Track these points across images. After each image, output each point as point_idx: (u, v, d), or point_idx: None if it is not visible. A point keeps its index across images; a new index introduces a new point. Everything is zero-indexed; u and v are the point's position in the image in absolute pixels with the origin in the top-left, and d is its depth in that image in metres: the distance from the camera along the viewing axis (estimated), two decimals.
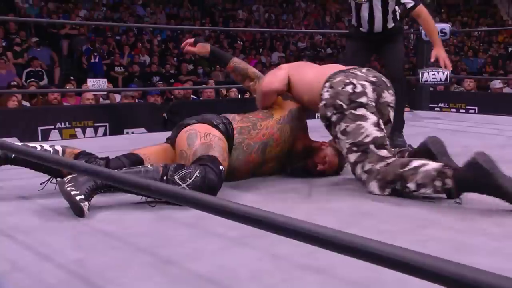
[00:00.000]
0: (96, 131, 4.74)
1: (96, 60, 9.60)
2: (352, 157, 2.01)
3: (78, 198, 1.73)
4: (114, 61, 9.82)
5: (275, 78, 2.30)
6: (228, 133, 2.12)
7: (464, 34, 14.68)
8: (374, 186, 1.99)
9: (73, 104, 6.22)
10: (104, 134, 4.72)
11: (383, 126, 2.04)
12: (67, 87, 6.74)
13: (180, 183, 1.79)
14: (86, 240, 1.53)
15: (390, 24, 3.33)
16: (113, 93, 7.05)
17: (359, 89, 2.04)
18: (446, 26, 4.82)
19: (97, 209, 1.81)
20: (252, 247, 1.45)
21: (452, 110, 6.11)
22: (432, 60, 3.28)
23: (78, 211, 1.73)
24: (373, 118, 2.02)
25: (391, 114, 2.15)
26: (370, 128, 1.99)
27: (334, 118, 2.04)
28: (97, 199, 1.91)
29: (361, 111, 2.01)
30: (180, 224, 1.67)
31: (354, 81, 2.06)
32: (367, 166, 1.98)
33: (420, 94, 5.37)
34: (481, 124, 4.35)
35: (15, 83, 7.04)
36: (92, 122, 4.73)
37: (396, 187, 1.93)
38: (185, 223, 1.67)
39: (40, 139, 4.39)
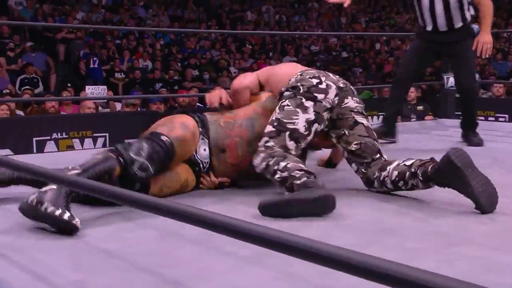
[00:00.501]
0: (95, 141, 4.76)
1: (95, 66, 9.68)
2: (268, 128, 2.22)
3: (65, 216, 1.69)
4: (114, 67, 9.90)
5: (244, 77, 2.52)
6: (202, 122, 2.34)
7: (492, 35, 14.61)
8: (259, 157, 2.15)
9: (71, 113, 6.26)
10: (104, 145, 4.72)
11: (313, 130, 2.21)
12: (64, 95, 6.80)
13: (137, 158, 2.02)
14: (85, 259, 1.53)
15: (458, 23, 3.43)
16: (113, 101, 7.09)
17: (323, 86, 2.26)
18: (474, 26, 4.79)
19: (96, 225, 1.81)
20: (265, 266, 1.44)
21: (480, 118, 6.07)
22: (473, 48, 3.33)
23: (71, 230, 1.70)
24: (311, 116, 2.20)
25: (359, 118, 2.31)
26: (301, 121, 2.19)
27: (285, 93, 2.27)
28: (96, 213, 1.92)
29: (308, 104, 2.22)
30: (187, 241, 1.67)
31: (323, 78, 2.29)
32: (270, 143, 2.17)
33: (445, 101, 5.34)
34: None
35: (8, 91, 7.11)
36: (91, 132, 4.75)
37: (269, 163, 2.09)
38: (193, 241, 1.66)
39: (35, 150, 4.42)
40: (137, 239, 1.70)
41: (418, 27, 3.70)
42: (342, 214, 1.99)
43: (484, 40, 3.36)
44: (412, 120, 6.23)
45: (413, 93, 6.58)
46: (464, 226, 1.83)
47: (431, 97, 7.69)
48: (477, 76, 4.72)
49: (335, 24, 15.01)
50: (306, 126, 2.20)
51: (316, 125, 2.22)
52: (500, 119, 5.95)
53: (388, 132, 3.72)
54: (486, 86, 8.25)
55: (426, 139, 4.01)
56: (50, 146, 4.55)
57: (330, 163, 2.85)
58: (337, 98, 2.27)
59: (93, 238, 1.71)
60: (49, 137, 4.58)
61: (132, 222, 1.86)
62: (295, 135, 2.18)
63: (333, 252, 0.77)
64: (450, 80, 4.77)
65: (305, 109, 2.21)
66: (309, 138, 2.23)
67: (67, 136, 4.66)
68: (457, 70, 3.61)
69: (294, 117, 2.20)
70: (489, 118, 6.03)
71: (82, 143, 4.70)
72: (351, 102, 2.32)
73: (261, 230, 0.88)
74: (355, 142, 2.28)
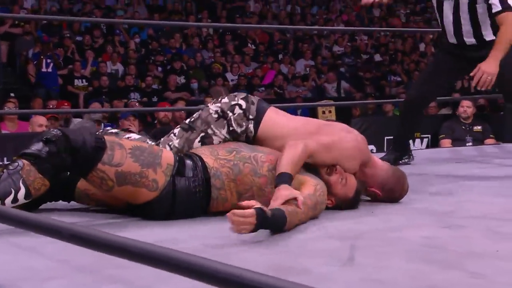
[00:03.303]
0: None
1: (48, 70, 9.77)
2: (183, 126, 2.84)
3: None
4: (73, 72, 9.99)
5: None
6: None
7: None
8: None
9: (15, 131, 6.29)
10: None
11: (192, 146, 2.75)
12: (7, 108, 6.84)
13: (46, 148, 2.36)
14: None
15: (489, 36, 3.51)
16: (72, 115, 7.13)
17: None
18: None
19: (42, 277, 1.83)
20: None
21: None
22: (471, 74, 3.44)
23: None
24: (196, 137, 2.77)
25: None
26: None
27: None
28: (41, 262, 1.93)
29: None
30: None
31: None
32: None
33: (510, 121, 5.37)
34: None
35: None
36: None
37: None
38: None
39: None
40: None
41: (442, 36, 3.79)
42: (371, 265, 2.00)
43: (486, 70, 3.38)
44: (467, 144, 6.25)
45: (469, 108, 6.60)
46: None
47: (493, 114, 7.72)
48: None
49: (365, 17, 15.13)
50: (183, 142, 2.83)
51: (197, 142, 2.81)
52: None
53: (400, 156, 3.98)
54: None
55: (484, 169, 4.03)
56: None
57: None
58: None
59: None
60: None
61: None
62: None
63: None
64: None
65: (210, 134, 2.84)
66: None
67: (8, 162, 4.68)
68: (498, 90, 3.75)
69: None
70: None
71: None
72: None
73: (266, 280, 0.89)
74: None
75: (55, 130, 2.41)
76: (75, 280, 1.82)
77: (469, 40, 3.63)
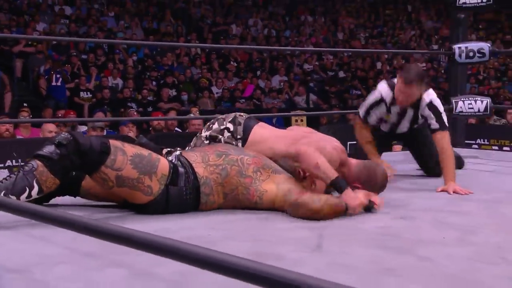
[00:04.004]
0: None
1: (58, 84, 9.70)
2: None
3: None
4: (79, 85, 9.93)
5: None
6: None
7: (507, 55, 14.91)
8: None
9: (28, 137, 6.25)
10: None
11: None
12: (21, 117, 6.79)
13: (57, 150, 2.34)
14: None
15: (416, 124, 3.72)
16: (77, 124, 7.09)
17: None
18: (485, 46, 4.90)
19: (52, 262, 1.82)
20: None
21: (493, 147, 6.16)
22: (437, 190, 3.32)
23: None
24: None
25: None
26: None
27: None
28: (52, 249, 1.92)
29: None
30: (159, 282, 1.68)
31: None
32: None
33: (454, 128, 5.41)
34: None
35: None
36: None
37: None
38: (166, 280, 1.67)
39: None
40: (103, 280, 1.70)
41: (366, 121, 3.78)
42: (337, 251, 2.02)
43: (455, 190, 3.20)
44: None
45: None
46: (473, 268, 1.85)
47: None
48: (489, 101, 4.82)
49: (331, 40, 15.22)
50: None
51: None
52: None
53: None
54: (500, 112, 8.38)
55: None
56: (3, 175, 4.52)
57: None
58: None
59: (48, 276, 1.71)
60: (2, 165, 4.57)
61: (96, 256, 1.87)
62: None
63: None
64: (459, 105, 4.85)
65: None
66: None
67: (24, 163, 4.64)
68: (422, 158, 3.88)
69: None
70: (504, 148, 6.12)
71: None
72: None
73: (244, 263, 0.90)
74: None
75: (66, 134, 2.40)
76: (82, 265, 1.81)
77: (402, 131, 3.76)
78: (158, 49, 12.13)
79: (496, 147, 6.20)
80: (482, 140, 6.31)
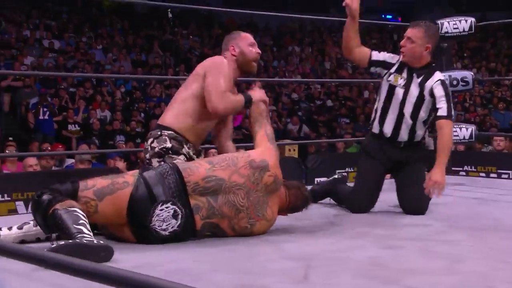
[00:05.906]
0: None
1: (45, 117, 9.68)
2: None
3: (97, 242, 2.24)
4: (67, 118, 9.92)
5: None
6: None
7: (493, 83, 15.04)
8: None
9: (14, 171, 6.21)
10: None
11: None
12: (7, 151, 6.75)
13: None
14: None
15: (419, 137, 3.46)
16: (65, 156, 7.07)
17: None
18: (468, 74, 4.93)
19: None
20: None
21: (480, 174, 6.18)
22: (424, 185, 3.22)
23: (106, 254, 2.19)
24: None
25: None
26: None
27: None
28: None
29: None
30: None
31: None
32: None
33: None
34: None
35: None
36: None
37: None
38: None
39: None
40: None
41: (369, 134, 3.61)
42: (323, 283, 2.00)
43: (437, 180, 3.17)
44: None
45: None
46: None
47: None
48: (474, 128, 4.86)
49: (318, 69, 15.33)
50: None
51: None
52: (503, 175, 6.05)
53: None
54: (486, 139, 8.42)
55: None
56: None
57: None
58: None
59: None
60: None
61: None
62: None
63: None
64: None
65: None
66: None
67: (9, 198, 4.60)
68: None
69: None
70: (491, 175, 6.13)
71: (27, 206, 4.63)
72: None
73: None
74: None
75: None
76: None
77: (402, 137, 3.43)
78: (147, 82, 12.15)
79: (484, 174, 6.21)
80: (469, 167, 6.32)
